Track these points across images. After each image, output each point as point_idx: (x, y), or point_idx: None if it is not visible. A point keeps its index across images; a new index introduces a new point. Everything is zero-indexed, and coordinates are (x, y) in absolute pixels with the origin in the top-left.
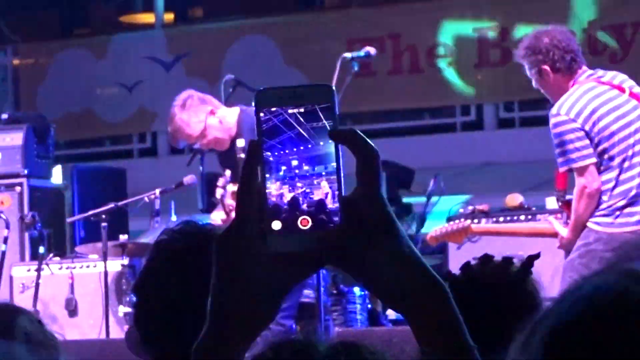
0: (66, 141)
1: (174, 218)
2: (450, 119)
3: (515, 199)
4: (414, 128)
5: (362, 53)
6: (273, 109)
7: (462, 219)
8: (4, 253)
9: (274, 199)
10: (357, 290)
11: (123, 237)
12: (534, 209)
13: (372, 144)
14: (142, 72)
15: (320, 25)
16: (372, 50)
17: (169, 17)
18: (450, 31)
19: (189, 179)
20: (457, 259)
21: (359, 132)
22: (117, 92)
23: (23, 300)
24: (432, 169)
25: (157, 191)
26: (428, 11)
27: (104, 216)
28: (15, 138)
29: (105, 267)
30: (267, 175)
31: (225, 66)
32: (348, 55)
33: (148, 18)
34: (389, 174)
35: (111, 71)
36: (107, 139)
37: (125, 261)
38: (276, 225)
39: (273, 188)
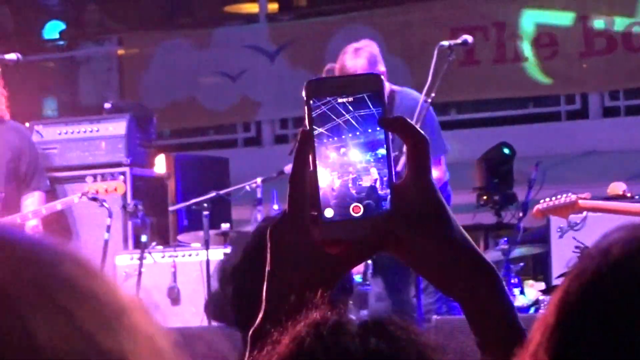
0: (170, 130)
1: (275, 207)
2: (554, 107)
3: (618, 187)
4: (518, 117)
5: (459, 41)
6: (323, 98)
7: (570, 194)
8: (107, 242)
9: (325, 186)
10: None
11: (225, 226)
12: (637, 197)
13: (421, 131)
14: (246, 62)
15: (424, 14)
16: (469, 38)
17: (273, 6)
18: (554, 20)
19: (290, 167)
20: (560, 248)
21: (407, 119)
22: (221, 82)
23: (126, 289)
24: (535, 157)
25: (259, 180)
26: (533, 0)
27: (206, 205)
28: (118, 127)
29: (207, 255)
30: (318, 163)
31: (329, 55)
32: (445, 43)
33: (252, 8)
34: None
35: (215, 61)
36: (210, 128)
37: (228, 250)
38: (328, 212)
39: (324, 176)
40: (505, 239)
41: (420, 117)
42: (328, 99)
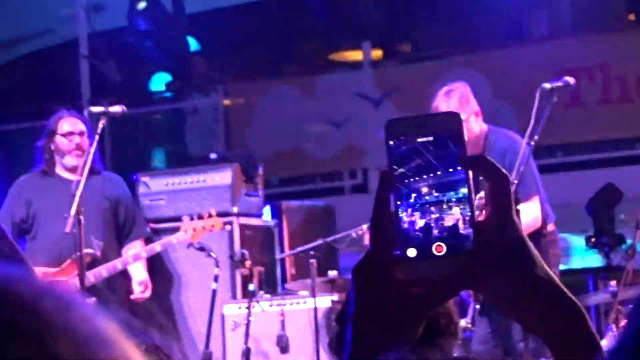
0: (276, 179)
1: None
2: None
3: None
4: (625, 158)
5: (561, 83)
6: (403, 138)
7: None
8: (215, 291)
9: (406, 226)
10: None
11: (332, 273)
12: None
13: (503, 170)
14: (351, 109)
15: (529, 57)
16: (571, 80)
17: (377, 53)
18: None
19: None
20: None
21: (489, 157)
22: (326, 129)
23: (235, 338)
24: None
25: (365, 226)
26: (637, 41)
27: (313, 252)
28: (224, 177)
29: (315, 303)
30: (399, 203)
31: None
32: (547, 85)
33: (356, 55)
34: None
35: (320, 108)
36: (317, 176)
37: (335, 297)
38: (411, 252)
39: (405, 215)
40: (615, 281)
41: (518, 157)
42: (408, 138)
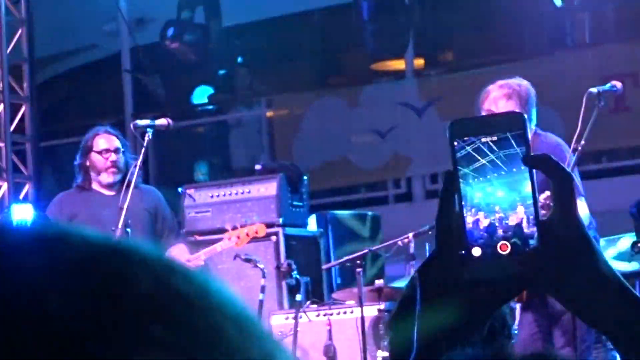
0: (321, 189)
1: None
2: None
3: None
4: None
5: (607, 87)
6: (466, 138)
7: None
8: (261, 302)
9: (470, 225)
10: None
11: (379, 282)
12: None
13: (567, 168)
14: (395, 118)
15: (575, 63)
16: (618, 84)
17: (419, 62)
18: None
19: None
20: None
21: (552, 157)
22: (371, 139)
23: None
24: None
25: (411, 235)
26: None
27: (359, 262)
28: (269, 188)
29: (362, 312)
30: (463, 203)
31: (477, 108)
32: (594, 90)
33: (399, 65)
34: None
35: (365, 118)
36: (362, 185)
37: (382, 306)
38: (476, 251)
39: (469, 215)
40: None
41: (564, 161)
42: (472, 139)
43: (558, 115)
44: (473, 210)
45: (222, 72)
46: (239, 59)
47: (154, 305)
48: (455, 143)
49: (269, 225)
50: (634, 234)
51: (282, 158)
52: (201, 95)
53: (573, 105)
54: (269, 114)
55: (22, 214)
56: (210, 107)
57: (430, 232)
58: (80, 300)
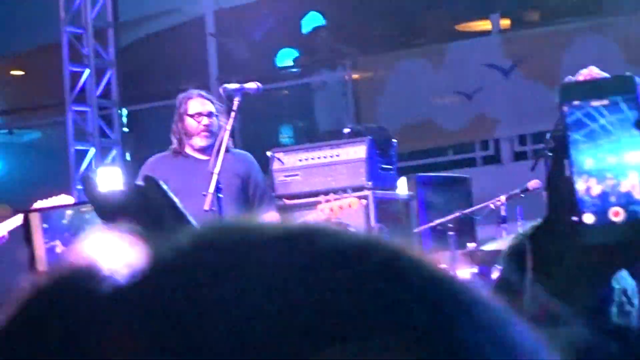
0: (408, 152)
1: (519, 224)
2: None
3: None
4: None
5: None
6: (576, 103)
7: None
8: None
9: (583, 191)
10: None
11: (471, 245)
12: None
13: None
14: (481, 79)
15: None
16: None
17: (505, 22)
18: None
19: (534, 183)
20: None
21: None
22: (456, 101)
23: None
24: None
25: (503, 197)
26: None
27: (450, 225)
28: (358, 151)
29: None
30: (574, 169)
31: (564, 67)
32: None
33: (484, 25)
34: None
35: (449, 80)
36: (448, 148)
37: (475, 269)
38: (588, 217)
39: (581, 181)
40: None
41: None
42: (582, 103)
43: None
44: (584, 176)
45: (305, 34)
46: (322, 21)
47: (427, 299)
48: (565, 108)
49: (359, 189)
50: None
51: (366, 121)
52: (285, 58)
53: None
54: (354, 76)
55: (109, 177)
56: (294, 70)
57: (522, 195)
58: (357, 293)
